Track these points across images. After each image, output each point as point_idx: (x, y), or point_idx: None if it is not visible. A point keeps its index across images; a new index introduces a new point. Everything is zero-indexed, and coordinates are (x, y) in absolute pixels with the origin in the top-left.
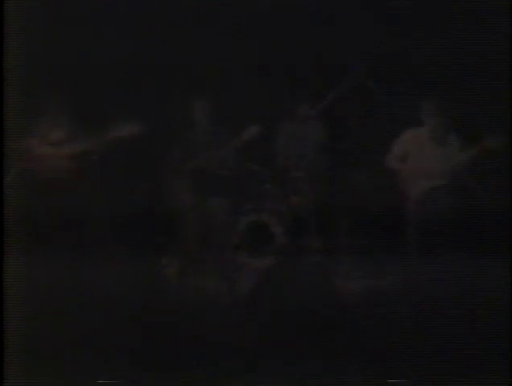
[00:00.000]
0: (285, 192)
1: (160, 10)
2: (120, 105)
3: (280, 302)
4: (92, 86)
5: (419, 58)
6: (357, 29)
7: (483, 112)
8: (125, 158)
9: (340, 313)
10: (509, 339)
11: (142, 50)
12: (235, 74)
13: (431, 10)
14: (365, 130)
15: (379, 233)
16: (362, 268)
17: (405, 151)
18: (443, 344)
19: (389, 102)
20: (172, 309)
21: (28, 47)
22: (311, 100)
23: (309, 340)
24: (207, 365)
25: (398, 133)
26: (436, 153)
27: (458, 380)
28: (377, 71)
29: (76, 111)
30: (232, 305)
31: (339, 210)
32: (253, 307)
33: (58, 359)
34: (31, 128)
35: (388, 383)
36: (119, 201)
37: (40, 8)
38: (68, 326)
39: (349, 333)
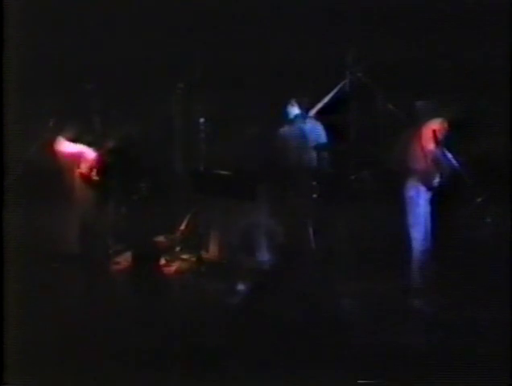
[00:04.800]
0: (285, 192)
1: (158, 10)
2: (120, 106)
3: None
4: (93, 86)
5: (419, 58)
6: (356, 29)
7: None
8: (126, 159)
9: None
10: (509, 339)
11: (141, 50)
12: (235, 74)
13: (430, 10)
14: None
15: None
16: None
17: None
18: (441, 344)
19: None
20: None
21: (28, 47)
22: (311, 100)
23: None
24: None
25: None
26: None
27: (458, 380)
28: (376, 72)
29: (77, 111)
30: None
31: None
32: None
33: (58, 360)
34: (32, 130)
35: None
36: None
37: (40, 8)
38: (69, 327)
39: None
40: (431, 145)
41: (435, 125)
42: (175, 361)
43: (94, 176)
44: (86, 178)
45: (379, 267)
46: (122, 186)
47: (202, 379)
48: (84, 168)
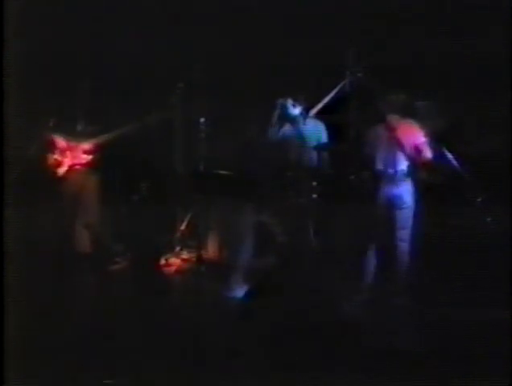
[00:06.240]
0: (285, 192)
1: (158, 10)
2: (120, 105)
3: None
4: (93, 86)
5: (419, 58)
6: (356, 29)
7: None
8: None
9: None
10: (509, 339)
11: (141, 50)
12: (234, 74)
13: (431, 10)
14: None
15: None
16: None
17: None
18: (441, 344)
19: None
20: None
21: (28, 47)
22: (311, 99)
23: None
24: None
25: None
26: None
27: (457, 380)
28: (376, 72)
29: (77, 111)
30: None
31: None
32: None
33: (58, 360)
34: (32, 129)
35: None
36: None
37: (40, 8)
38: (69, 327)
39: None
40: (425, 145)
41: (423, 126)
42: (175, 361)
43: (60, 171)
44: (53, 171)
45: (379, 267)
46: (122, 186)
47: (202, 379)
48: (52, 158)
